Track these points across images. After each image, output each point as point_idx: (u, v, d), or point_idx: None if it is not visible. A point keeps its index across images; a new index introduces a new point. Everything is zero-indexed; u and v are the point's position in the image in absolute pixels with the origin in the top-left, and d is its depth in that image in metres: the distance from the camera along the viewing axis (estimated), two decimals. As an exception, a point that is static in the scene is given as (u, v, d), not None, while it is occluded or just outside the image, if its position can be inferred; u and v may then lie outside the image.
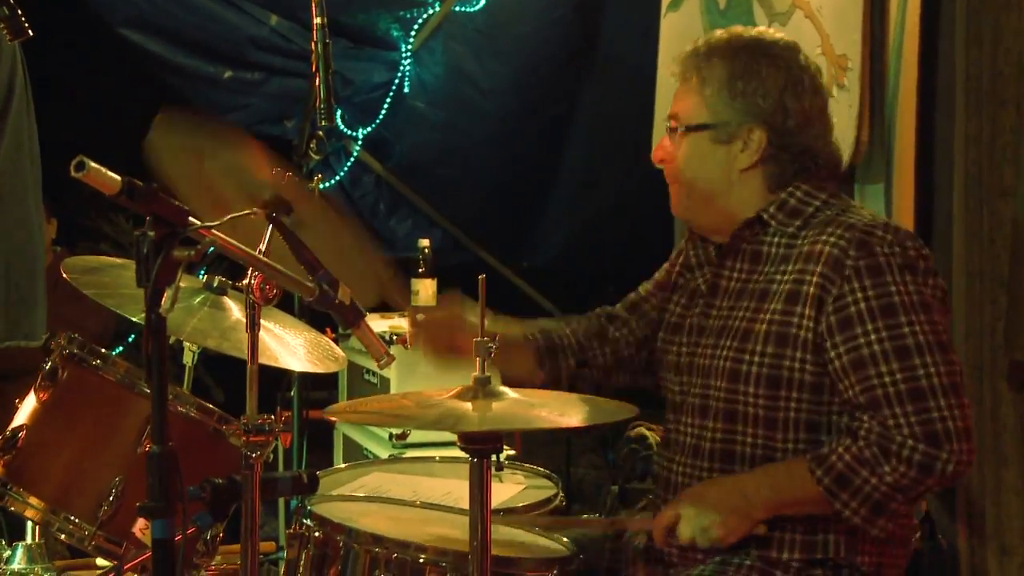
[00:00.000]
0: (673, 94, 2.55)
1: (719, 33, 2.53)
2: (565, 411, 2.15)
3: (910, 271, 2.30)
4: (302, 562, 2.33)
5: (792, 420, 2.36)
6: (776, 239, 2.44)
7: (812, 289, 2.33)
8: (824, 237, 2.36)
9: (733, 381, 2.39)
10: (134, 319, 2.70)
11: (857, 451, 2.25)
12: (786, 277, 2.38)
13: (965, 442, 2.23)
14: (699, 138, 2.47)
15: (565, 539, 2.43)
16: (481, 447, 2.01)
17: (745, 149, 2.45)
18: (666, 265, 2.78)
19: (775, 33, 2.54)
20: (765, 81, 2.43)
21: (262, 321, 2.21)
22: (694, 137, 2.48)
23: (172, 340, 3.00)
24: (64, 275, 2.71)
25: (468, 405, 2.05)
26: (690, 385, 2.49)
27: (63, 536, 2.65)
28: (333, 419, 2.13)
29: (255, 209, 2.26)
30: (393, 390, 4.32)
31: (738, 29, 2.54)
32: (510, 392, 2.10)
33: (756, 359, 2.37)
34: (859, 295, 2.29)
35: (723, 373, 2.41)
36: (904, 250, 2.32)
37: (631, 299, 2.80)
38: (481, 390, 2.08)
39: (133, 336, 5.18)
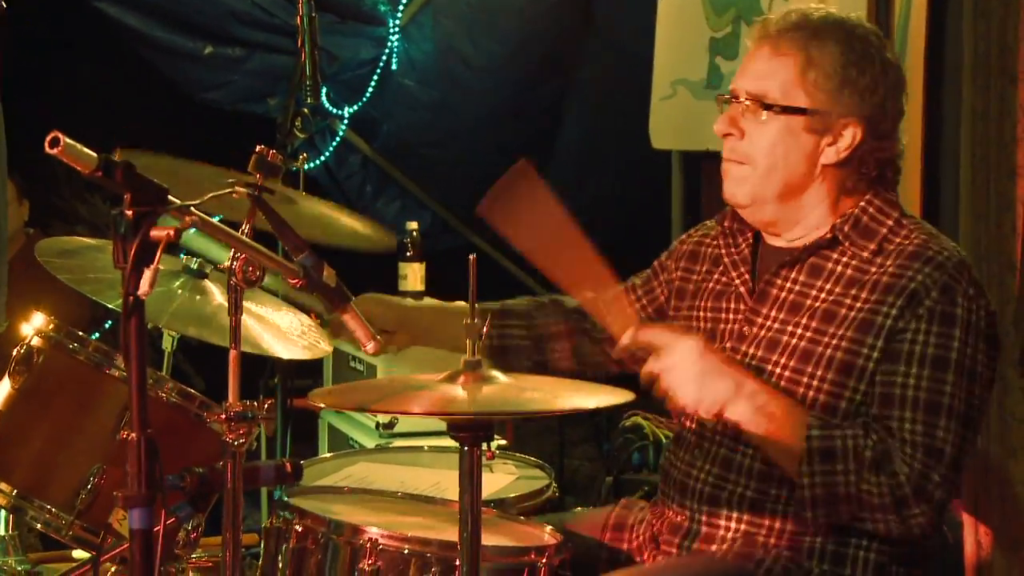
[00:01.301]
0: (747, 62, 2.37)
1: (811, 9, 2.36)
2: (558, 396, 2.09)
3: (976, 333, 2.24)
4: (281, 556, 2.28)
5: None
6: (844, 258, 2.33)
7: (888, 321, 2.25)
8: (909, 272, 2.26)
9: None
10: (111, 306, 2.65)
11: (860, 445, 2.18)
12: (859, 304, 2.28)
13: (939, 515, 2.22)
14: (791, 122, 2.31)
15: (550, 527, 2.37)
16: (471, 435, 1.95)
17: (834, 144, 2.32)
18: (657, 265, 2.67)
19: (862, 19, 2.39)
20: (877, 77, 2.30)
21: (245, 304, 2.14)
22: (784, 120, 2.31)
23: (151, 326, 2.93)
24: (38, 258, 2.64)
25: (458, 390, 1.99)
26: None
27: (39, 525, 2.60)
28: (319, 405, 2.06)
29: (237, 187, 2.22)
30: (380, 377, 4.25)
31: (825, 8, 2.37)
32: (501, 376, 2.05)
33: (815, 383, 2.28)
34: (921, 337, 2.22)
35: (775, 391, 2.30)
36: (979, 308, 2.25)
37: (615, 293, 2.70)
38: (471, 374, 2.02)
39: (110, 322, 5.10)
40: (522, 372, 2.69)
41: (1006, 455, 2.97)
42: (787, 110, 2.30)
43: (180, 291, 2.71)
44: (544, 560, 2.19)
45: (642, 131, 4.85)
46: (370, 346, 2.25)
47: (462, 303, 2.60)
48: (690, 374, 2.20)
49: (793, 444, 2.20)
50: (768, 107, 2.31)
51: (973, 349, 2.23)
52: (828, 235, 2.34)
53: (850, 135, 2.30)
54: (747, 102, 2.33)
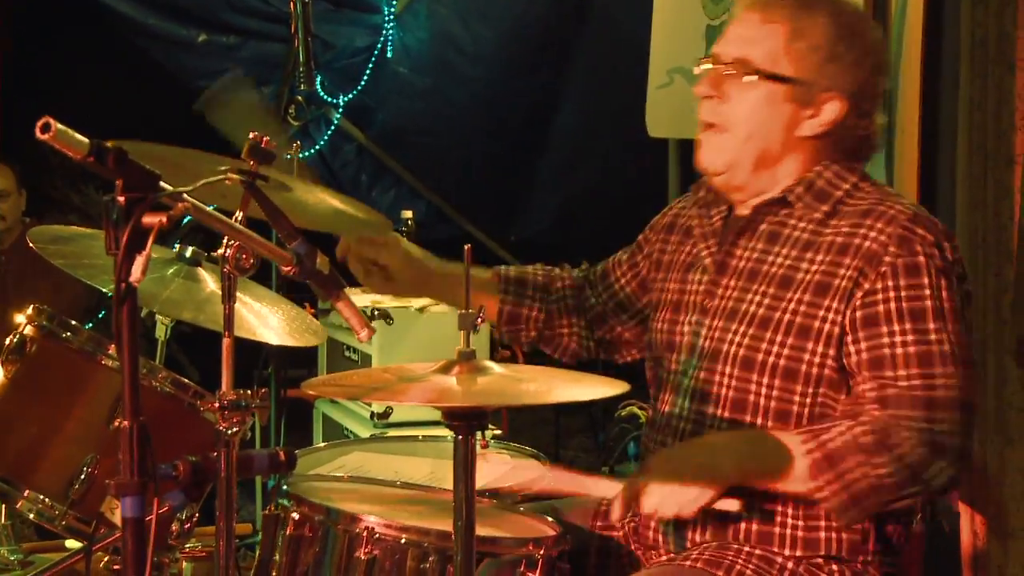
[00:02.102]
0: (733, 26, 2.35)
1: None
2: (553, 387, 2.08)
3: (945, 275, 2.21)
4: (278, 544, 2.26)
5: (806, 415, 2.25)
6: (801, 223, 2.31)
7: (845, 283, 2.22)
8: (863, 230, 2.23)
9: (746, 369, 2.28)
10: (105, 289, 2.63)
11: (855, 435, 2.16)
12: (814, 267, 2.26)
13: (960, 460, 2.18)
14: (773, 89, 2.28)
15: (551, 519, 2.35)
16: (465, 423, 1.93)
17: (814, 117, 2.29)
18: (642, 238, 2.66)
19: None
20: (863, 54, 2.28)
21: (238, 293, 2.13)
22: (768, 87, 2.28)
23: (144, 312, 2.91)
24: (31, 244, 2.62)
25: (452, 380, 1.97)
26: (689, 366, 2.37)
27: (32, 515, 2.60)
28: (311, 394, 2.05)
29: (230, 174, 2.21)
30: (375, 366, 4.24)
31: None
32: (496, 367, 2.03)
33: (775, 348, 2.25)
34: (891, 293, 2.19)
35: (734, 359, 2.29)
36: (942, 251, 2.22)
37: (602, 268, 2.69)
38: (466, 364, 2.00)
39: (104, 312, 5.09)
40: (524, 340, 2.71)
41: (1003, 444, 2.96)
42: (771, 77, 2.28)
43: (174, 278, 2.69)
44: (542, 552, 2.17)
45: (638, 119, 4.84)
46: (363, 333, 2.23)
47: (487, 272, 2.62)
48: (673, 495, 2.18)
49: (793, 468, 2.18)
50: (753, 72, 2.29)
51: (947, 291, 2.20)
52: (778, 195, 2.33)
53: (832, 109, 2.28)
54: (731, 66, 2.31)
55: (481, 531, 1.99)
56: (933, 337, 2.18)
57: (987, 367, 2.98)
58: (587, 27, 5.86)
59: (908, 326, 2.18)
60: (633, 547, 2.44)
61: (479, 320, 2.00)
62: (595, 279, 2.71)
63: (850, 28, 2.29)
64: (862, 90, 2.29)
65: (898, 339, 2.18)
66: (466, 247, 2.02)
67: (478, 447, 1.98)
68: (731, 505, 2.21)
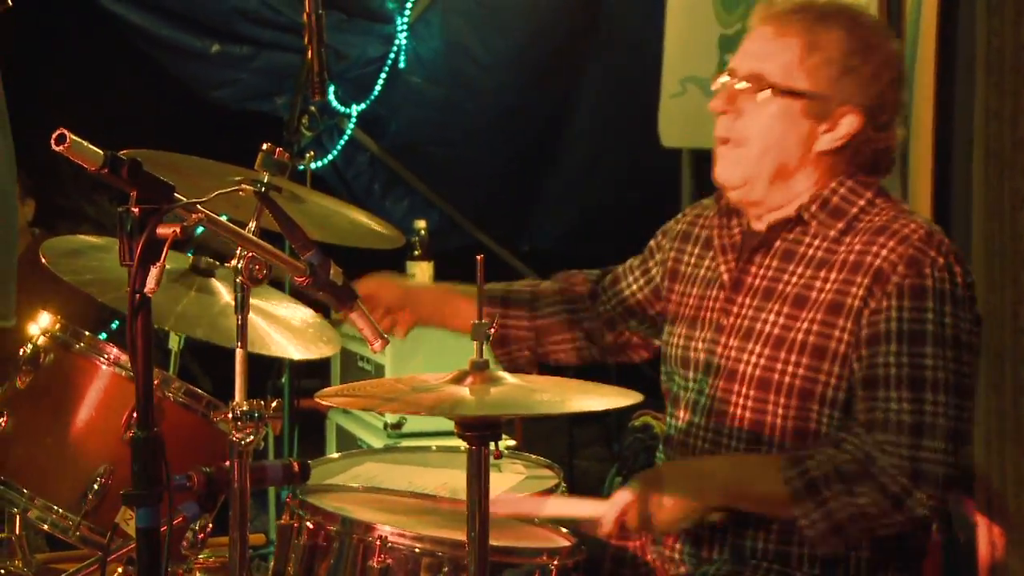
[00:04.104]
0: (748, 41, 2.34)
1: None
2: (566, 397, 2.07)
3: (951, 301, 2.19)
4: (292, 554, 2.27)
5: (823, 436, 2.24)
6: (815, 241, 2.30)
7: (856, 302, 2.21)
8: (875, 248, 2.22)
9: (763, 389, 2.27)
10: (114, 307, 2.63)
11: (837, 463, 2.15)
12: (828, 285, 2.25)
13: (943, 491, 2.15)
14: (789, 104, 2.28)
15: (565, 530, 2.35)
16: (479, 434, 1.93)
17: (831, 131, 2.28)
18: (653, 244, 2.65)
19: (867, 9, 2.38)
20: (880, 67, 2.27)
21: (253, 301, 2.13)
22: (783, 102, 2.28)
23: (157, 328, 2.91)
24: (43, 260, 2.63)
25: (465, 390, 1.97)
26: (704, 384, 2.36)
27: (46, 526, 2.60)
28: (325, 403, 2.04)
29: (243, 185, 2.22)
30: (388, 376, 4.23)
31: None
32: (509, 377, 2.02)
33: (790, 369, 2.25)
34: (894, 314, 2.18)
35: (751, 380, 2.28)
36: (952, 276, 2.20)
37: (612, 275, 2.68)
38: (479, 374, 1.99)
39: (117, 322, 5.09)
40: (521, 361, 2.69)
41: (1020, 455, 2.95)
42: (787, 92, 2.27)
43: (188, 290, 2.68)
44: (556, 562, 2.16)
45: (651, 129, 4.83)
46: (377, 344, 2.23)
47: (468, 286, 2.61)
48: (658, 514, 2.22)
49: (776, 493, 2.18)
50: (767, 87, 2.28)
51: (952, 317, 2.18)
52: (792, 215, 2.31)
53: (848, 123, 2.27)
54: (746, 81, 2.30)
55: (495, 541, 1.98)
56: (929, 362, 2.16)
57: (1004, 376, 2.96)
58: (599, 37, 5.85)
59: (905, 348, 2.16)
60: (649, 558, 2.44)
61: (492, 330, 2.01)
62: (606, 286, 2.70)
63: (866, 41, 2.27)
64: (879, 103, 2.28)
65: (892, 359, 2.17)
66: (478, 257, 2.01)
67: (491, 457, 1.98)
68: (713, 516, 2.26)
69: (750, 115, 2.31)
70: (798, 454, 2.19)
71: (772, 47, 2.30)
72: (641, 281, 2.64)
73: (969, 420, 2.20)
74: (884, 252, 2.21)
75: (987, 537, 2.96)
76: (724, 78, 2.34)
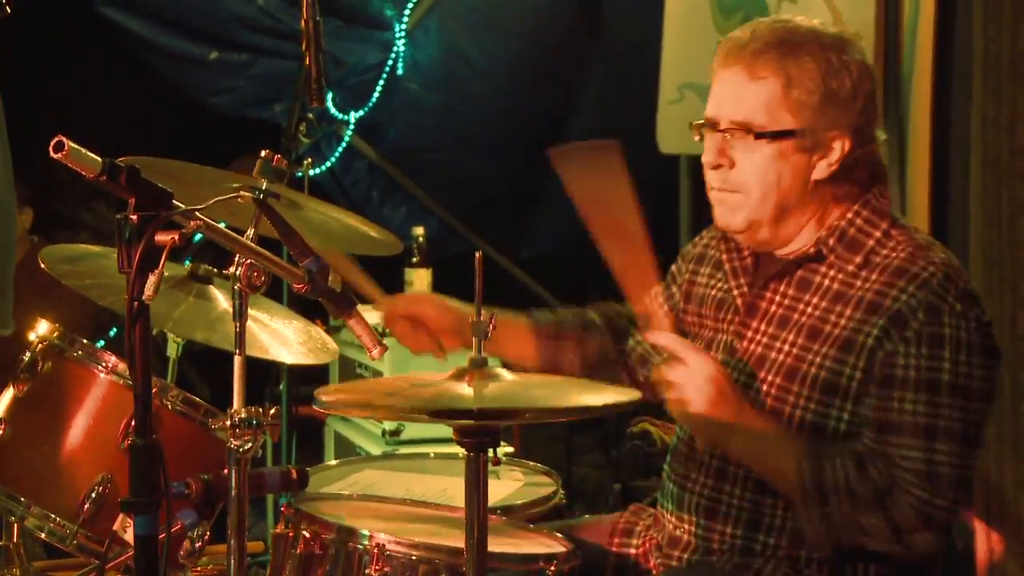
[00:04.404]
0: (720, 87, 2.30)
1: (777, 25, 2.28)
2: (566, 394, 2.08)
3: (967, 350, 2.18)
4: (289, 562, 2.26)
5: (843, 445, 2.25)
6: (832, 271, 2.29)
7: (870, 341, 2.20)
8: (894, 291, 2.21)
9: (775, 421, 2.27)
10: (116, 310, 2.63)
11: (855, 481, 2.16)
12: (843, 321, 2.23)
13: (946, 535, 2.21)
14: (782, 146, 2.25)
15: (560, 535, 2.35)
16: (477, 440, 1.94)
17: (824, 158, 2.26)
18: (674, 268, 2.64)
19: (825, 25, 2.33)
20: (855, 83, 2.24)
21: (250, 311, 2.13)
22: (775, 146, 2.25)
23: (155, 331, 2.91)
24: (41, 265, 2.62)
25: (464, 387, 1.97)
26: None
27: (43, 535, 2.59)
28: (324, 403, 2.03)
29: (242, 192, 2.21)
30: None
31: (789, 20, 2.30)
32: (507, 374, 2.03)
33: (801, 403, 2.25)
34: (912, 361, 2.17)
35: (762, 408, 2.27)
36: (968, 322, 2.19)
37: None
38: (478, 371, 2.00)
39: (115, 329, 5.09)
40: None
41: (1019, 461, 2.95)
42: (777, 135, 2.24)
43: (186, 296, 2.68)
44: (552, 568, 2.17)
45: (649, 135, 4.83)
46: (375, 351, 2.23)
47: (514, 315, 2.61)
48: (696, 399, 2.20)
49: (788, 483, 2.20)
50: (758, 135, 2.25)
51: (966, 366, 2.18)
52: (812, 249, 2.30)
53: (839, 147, 2.25)
54: (732, 131, 2.27)
55: (492, 548, 1.99)
56: (944, 412, 2.16)
57: (1003, 383, 2.96)
58: (597, 44, 5.86)
59: (922, 396, 2.17)
60: (651, 564, 2.44)
61: (491, 328, 2.01)
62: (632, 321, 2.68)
63: (837, 62, 2.24)
64: (864, 119, 2.27)
65: (908, 407, 2.17)
66: (477, 254, 2.02)
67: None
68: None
69: (744, 164, 2.28)
70: (822, 450, 2.20)
71: (749, 91, 2.26)
72: (666, 306, 2.64)
73: (974, 467, 2.22)
74: (904, 296, 2.19)
75: (985, 543, 2.97)
76: (709, 133, 2.32)
